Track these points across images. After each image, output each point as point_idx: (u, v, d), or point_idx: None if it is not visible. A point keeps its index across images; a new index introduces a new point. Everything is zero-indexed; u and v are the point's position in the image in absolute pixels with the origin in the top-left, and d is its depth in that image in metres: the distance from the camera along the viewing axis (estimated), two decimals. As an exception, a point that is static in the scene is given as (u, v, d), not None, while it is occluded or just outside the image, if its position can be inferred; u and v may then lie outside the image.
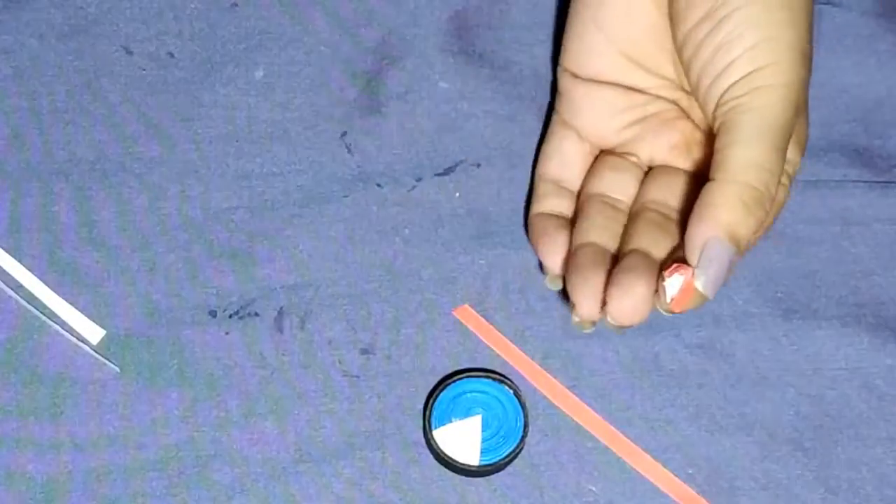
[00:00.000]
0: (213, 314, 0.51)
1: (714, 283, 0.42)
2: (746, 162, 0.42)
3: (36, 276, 0.51)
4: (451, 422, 0.49)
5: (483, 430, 0.49)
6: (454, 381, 0.50)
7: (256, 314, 0.51)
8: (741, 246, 0.42)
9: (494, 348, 0.51)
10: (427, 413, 0.49)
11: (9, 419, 0.49)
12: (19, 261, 0.51)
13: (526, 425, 0.49)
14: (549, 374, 0.51)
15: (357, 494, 0.49)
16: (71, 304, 0.51)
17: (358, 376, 0.50)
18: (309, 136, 0.54)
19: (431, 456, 0.49)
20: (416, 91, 0.54)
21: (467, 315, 0.51)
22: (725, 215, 0.41)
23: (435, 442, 0.49)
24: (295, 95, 0.55)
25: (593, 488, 0.50)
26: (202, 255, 0.52)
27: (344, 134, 0.54)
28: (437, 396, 0.50)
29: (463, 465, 0.48)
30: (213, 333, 0.51)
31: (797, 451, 0.50)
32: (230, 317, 0.51)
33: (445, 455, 0.48)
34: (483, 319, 0.51)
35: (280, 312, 0.51)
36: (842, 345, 0.51)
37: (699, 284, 0.42)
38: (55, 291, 0.51)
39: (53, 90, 0.54)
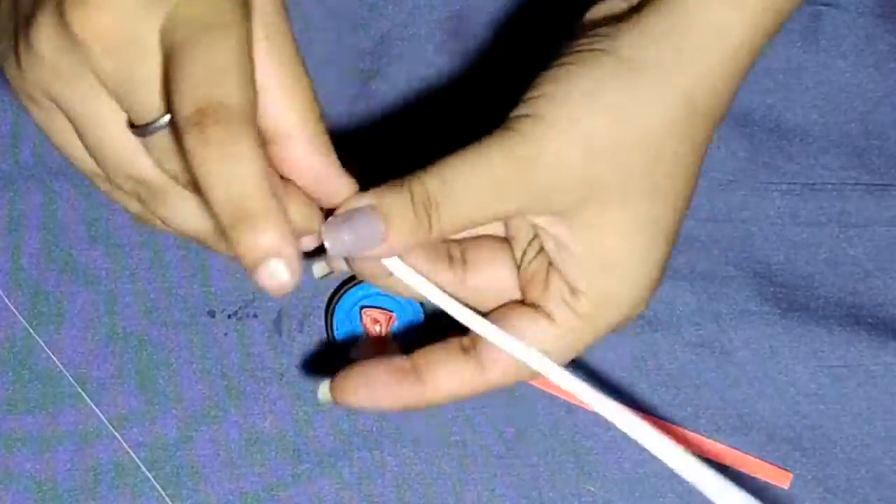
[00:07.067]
0: (211, 314, 0.51)
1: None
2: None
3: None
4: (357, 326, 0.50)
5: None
6: (351, 288, 0.50)
7: (255, 315, 0.51)
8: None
9: None
10: (329, 317, 0.50)
11: (5, 418, 0.50)
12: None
13: (425, 316, 0.50)
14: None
15: (355, 494, 0.49)
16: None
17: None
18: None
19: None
20: (414, 89, 0.54)
21: None
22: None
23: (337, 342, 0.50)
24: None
25: (592, 488, 0.50)
26: (202, 255, 0.52)
27: (343, 134, 0.54)
28: (339, 300, 0.50)
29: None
30: (212, 334, 0.51)
31: (795, 451, 0.50)
32: (229, 317, 0.51)
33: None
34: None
35: (279, 314, 0.51)
36: (840, 345, 0.51)
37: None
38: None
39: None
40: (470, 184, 0.38)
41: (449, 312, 0.40)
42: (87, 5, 0.32)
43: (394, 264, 0.40)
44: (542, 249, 0.41)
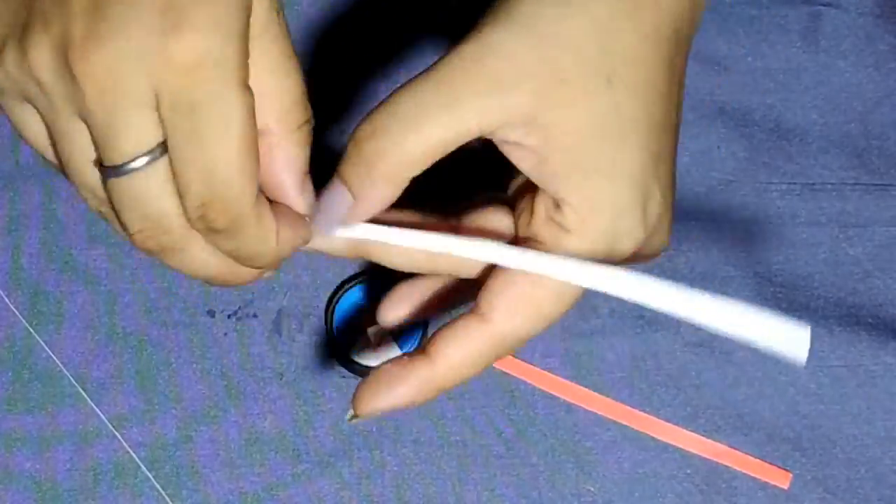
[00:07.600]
0: (211, 314, 0.51)
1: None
2: None
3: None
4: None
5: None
6: (351, 287, 0.50)
7: (255, 315, 0.51)
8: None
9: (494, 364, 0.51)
10: (329, 316, 0.50)
11: (5, 417, 0.50)
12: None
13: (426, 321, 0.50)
14: (549, 373, 0.51)
15: (355, 494, 0.49)
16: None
17: (355, 378, 0.51)
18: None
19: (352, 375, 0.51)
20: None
21: None
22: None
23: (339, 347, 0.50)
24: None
25: (592, 488, 0.50)
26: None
27: (343, 132, 0.54)
28: (339, 300, 0.50)
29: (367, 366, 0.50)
30: (212, 334, 0.51)
31: (795, 451, 0.50)
32: (228, 317, 0.51)
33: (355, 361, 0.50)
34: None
35: (278, 314, 0.51)
36: (840, 345, 0.51)
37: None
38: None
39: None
40: (417, 98, 0.37)
41: (441, 250, 0.38)
42: (86, 48, 0.33)
43: (366, 229, 0.39)
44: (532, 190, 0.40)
